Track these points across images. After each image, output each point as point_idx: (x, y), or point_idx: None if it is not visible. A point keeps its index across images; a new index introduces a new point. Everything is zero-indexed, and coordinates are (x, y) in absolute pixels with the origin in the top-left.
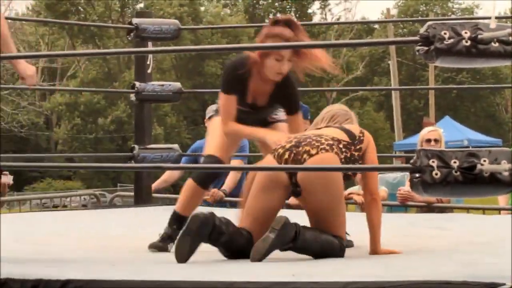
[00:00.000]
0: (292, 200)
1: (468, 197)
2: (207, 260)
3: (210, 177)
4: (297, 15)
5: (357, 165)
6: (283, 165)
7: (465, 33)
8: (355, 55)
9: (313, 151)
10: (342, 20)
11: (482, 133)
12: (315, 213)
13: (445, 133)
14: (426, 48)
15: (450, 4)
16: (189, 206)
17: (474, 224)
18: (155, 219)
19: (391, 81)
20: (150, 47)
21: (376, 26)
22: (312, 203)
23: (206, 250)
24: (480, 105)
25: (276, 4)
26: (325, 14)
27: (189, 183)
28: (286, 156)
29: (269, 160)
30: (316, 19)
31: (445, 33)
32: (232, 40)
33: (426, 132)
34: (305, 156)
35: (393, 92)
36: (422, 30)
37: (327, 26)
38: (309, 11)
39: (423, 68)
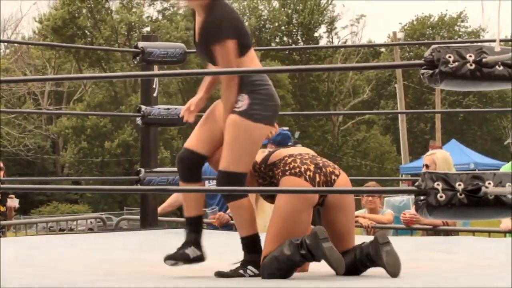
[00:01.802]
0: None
1: (472, 220)
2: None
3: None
4: (304, 39)
5: (366, 188)
6: (299, 188)
7: (470, 56)
8: (361, 79)
9: (336, 172)
10: (349, 43)
11: (489, 156)
12: (341, 229)
13: (451, 156)
14: (430, 71)
15: (456, 28)
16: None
17: (480, 247)
18: (160, 243)
19: (398, 104)
20: (156, 71)
21: (383, 49)
22: (340, 219)
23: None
24: (487, 129)
25: (283, 27)
26: (332, 38)
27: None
28: (318, 178)
29: (297, 182)
30: (323, 42)
31: (449, 57)
32: None
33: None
34: (333, 176)
35: (399, 115)
36: (426, 54)
37: (334, 49)
38: (316, 34)
39: (429, 91)
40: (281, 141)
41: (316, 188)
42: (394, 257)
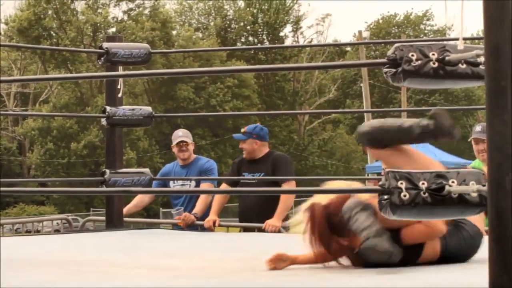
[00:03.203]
0: None
1: (437, 218)
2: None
3: None
4: (269, 38)
5: (330, 188)
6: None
7: (433, 54)
8: (327, 78)
9: None
10: (314, 43)
11: (455, 155)
12: None
13: None
14: (393, 70)
15: (422, 26)
16: None
17: None
18: (126, 244)
19: (364, 103)
20: (121, 71)
21: (349, 48)
22: None
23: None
24: None
25: (248, 27)
26: (297, 37)
27: None
28: None
29: None
30: (288, 42)
31: (412, 55)
32: (204, 64)
33: None
34: None
35: (365, 114)
36: (389, 52)
37: (299, 49)
38: (281, 34)
39: (395, 90)
40: (263, 136)
41: (282, 188)
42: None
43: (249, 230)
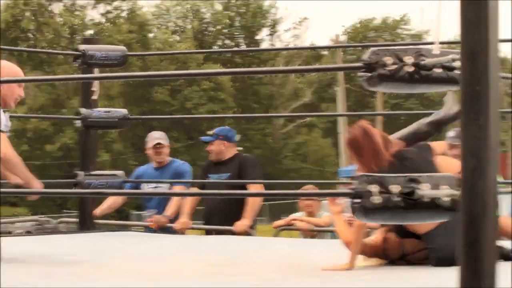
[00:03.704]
0: None
1: (409, 223)
2: None
3: None
4: (246, 42)
5: (302, 191)
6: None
7: (408, 59)
8: (303, 82)
9: None
10: (291, 46)
11: None
12: None
13: None
14: (369, 74)
15: (399, 30)
16: None
17: None
18: (96, 245)
19: (339, 107)
20: (97, 73)
21: (325, 52)
22: None
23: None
24: None
25: (225, 30)
26: (274, 41)
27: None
28: None
29: None
30: (265, 45)
31: (388, 59)
32: (180, 67)
33: None
34: None
35: (340, 118)
36: (365, 57)
37: (276, 52)
38: (258, 37)
39: (371, 94)
40: (231, 137)
41: (267, 191)
42: None
43: (218, 233)
